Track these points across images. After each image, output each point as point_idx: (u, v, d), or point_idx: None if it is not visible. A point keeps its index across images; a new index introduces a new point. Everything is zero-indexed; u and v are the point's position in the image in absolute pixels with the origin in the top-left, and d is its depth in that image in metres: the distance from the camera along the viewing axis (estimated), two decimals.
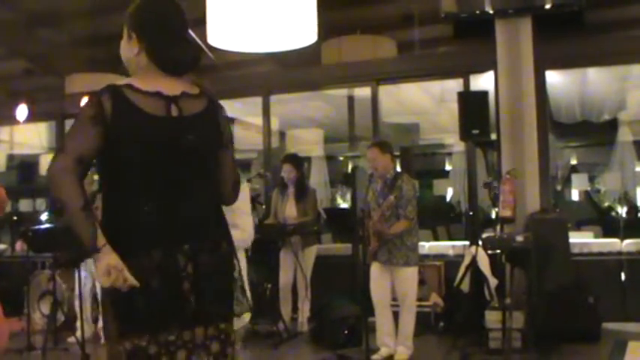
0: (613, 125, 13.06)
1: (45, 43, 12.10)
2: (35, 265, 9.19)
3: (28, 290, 8.42)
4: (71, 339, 7.64)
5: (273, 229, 8.41)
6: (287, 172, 8.54)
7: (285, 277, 8.54)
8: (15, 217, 10.32)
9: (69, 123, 11.88)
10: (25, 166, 15.73)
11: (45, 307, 8.53)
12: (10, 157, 15.00)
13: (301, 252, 8.47)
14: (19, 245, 9.44)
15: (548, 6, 8.42)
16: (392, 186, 6.81)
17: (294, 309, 8.74)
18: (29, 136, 13.70)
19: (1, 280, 9.72)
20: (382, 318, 6.93)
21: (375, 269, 6.89)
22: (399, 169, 7.97)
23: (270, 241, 8.62)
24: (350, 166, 17.69)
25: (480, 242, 7.58)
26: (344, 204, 17.87)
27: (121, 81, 2.70)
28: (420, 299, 7.28)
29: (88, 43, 11.84)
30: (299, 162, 8.79)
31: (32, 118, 11.27)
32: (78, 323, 7.71)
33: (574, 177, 15.45)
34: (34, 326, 8.09)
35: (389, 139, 8.71)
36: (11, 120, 11.37)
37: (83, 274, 7.60)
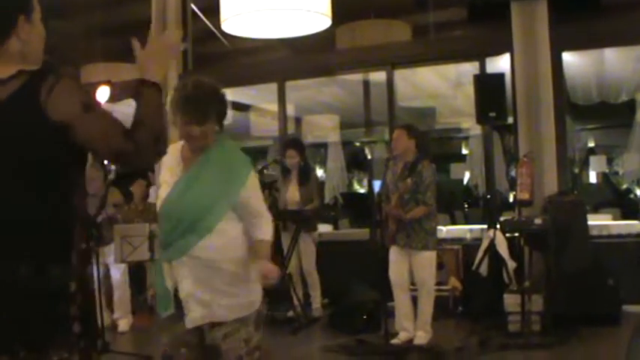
0: (631, 106, 12.96)
1: (59, 33, 12.13)
2: None
3: None
4: None
5: (290, 215, 8.38)
6: (290, 157, 8.51)
7: (290, 263, 8.46)
8: None
9: None
10: None
11: None
12: None
13: (304, 238, 8.40)
14: None
15: None
16: (412, 170, 6.79)
17: (307, 295, 8.72)
18: None
19: None
20: (401, 301, 6.93)
21: (393, 252, 6.89)
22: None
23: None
24: (367, 152, 17.69)
25: (498, 225, 7.56)
26: (361, 189, 17.88)
27: None
28: (438, 283, 7.28)
29: (103, 33, 11.86)
30: (302, 147, 8.76)
31: None
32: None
33: (592, 159, 15.37)
34: None
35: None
36: None
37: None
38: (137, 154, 2.31)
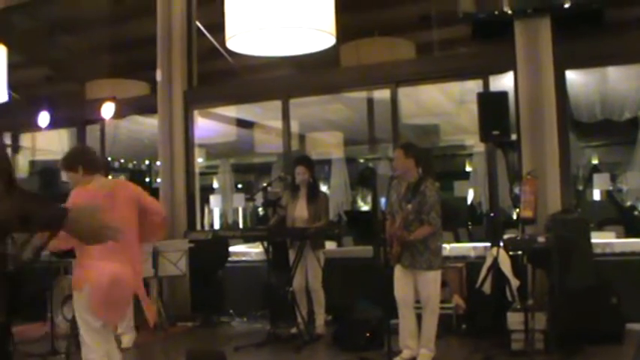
0: (634, 123, 12.93)
1: (65, 50, 12.21)
2: (58, 270, 9.23)
3: (51, 295, 8.47)
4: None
5: (298, 232, 8.37)
6: (300, 173, 8.50)
7: (295, 280, 8.46)
8: None
9: (90, 129, 11.99)
10: (46, 172, 15.82)
11: (68, 312, 8.57)
12: (32, 164, 15.10)
13: (310, 255, 8.40)
14: None
15: (567, 5, 8.40)
16: (415, 190, 6.79)
17: (311, 312, 8.70)
18: (51, 142, 13.81)
19: (25, 284, 9.78)
20: (405, 319, 6.92)
21: (398, 270, 6.89)
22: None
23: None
24: (370, 169, 17.70)
25: (502, 243, 7.55)
26: (365, 206, 17.86)
27: None
28: (441, 301, 7.26)
29: (107, 49, 11.94)
30: (311, 164, 8.76)
31: (53, 124, 11.36)
32: None
33: (595, 176, 15.32)
34: (57, 331, 8.13)
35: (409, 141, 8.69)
36: (33, 127, 11.47)
37: None
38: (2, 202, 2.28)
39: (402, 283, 6.89)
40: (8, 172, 2.37)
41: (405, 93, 10.36)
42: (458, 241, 12.49)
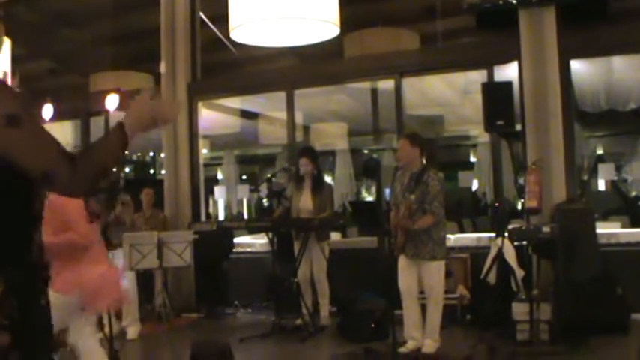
0: (639, 114, 12.93)
1: (69, 42, 12.21)
2: None
3: None
4: (99, 335, 7.68)
5: (303, 223, 8.36)
6: (304, 165, 8.48)
7: (300, 271, 8.47)
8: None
9: (94, 121, 12.00)
10: None
11: None
12: None
13: (315, 246, 8.40)
14: None
15: None
16: (418, 180, 6.78)
17: (315, 303, 8.70)
18: (55, 135, 13.79)
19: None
20: (409, 310, 6.92)
21: (402, 261, 6.89)
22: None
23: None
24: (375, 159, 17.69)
25: (506, 234, 7.54)
26: (369, 197, 17.87)
27: None
28: (446, 291, 7.25)
29: (111, 41, 11.93)
30: (315, 155, 8.72)
31: (57, 117, 11.36)
32: (105, 320, 7.76)
33: (600, 167, 15.30)
34: None
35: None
36: None
37: None
38: (71, 180, 2.20)
39: (406, 273, 6.89)
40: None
41: (410, 83, 10.33)
42: (462, 231, 12.49)
